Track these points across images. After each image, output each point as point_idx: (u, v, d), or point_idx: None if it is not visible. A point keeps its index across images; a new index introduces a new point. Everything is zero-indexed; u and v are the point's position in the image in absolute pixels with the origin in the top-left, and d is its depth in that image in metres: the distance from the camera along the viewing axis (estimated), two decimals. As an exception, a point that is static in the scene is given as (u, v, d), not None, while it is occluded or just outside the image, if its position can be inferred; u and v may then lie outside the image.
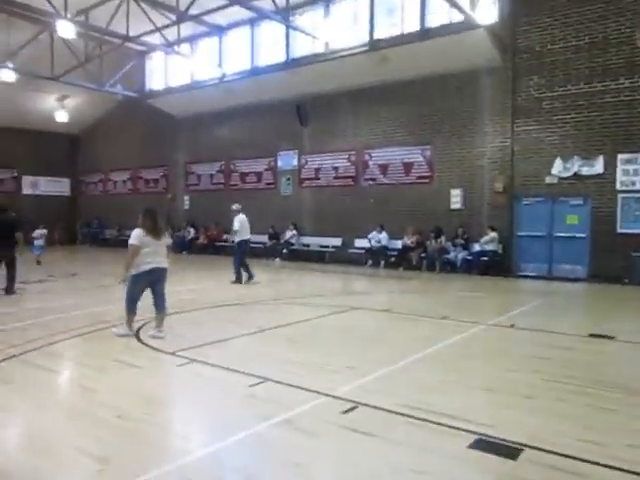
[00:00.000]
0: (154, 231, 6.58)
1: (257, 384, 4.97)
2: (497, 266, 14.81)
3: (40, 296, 10.31)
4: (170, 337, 6.69)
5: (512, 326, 7.72)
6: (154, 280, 6.65)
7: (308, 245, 18.87)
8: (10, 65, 18.63)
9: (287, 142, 19.60)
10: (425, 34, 15.20)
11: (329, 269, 16.28)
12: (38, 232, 16.82)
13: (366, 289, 12.57)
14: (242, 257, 12.35)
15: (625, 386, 4.99)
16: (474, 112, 15.51)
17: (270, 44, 18.84)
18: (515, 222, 15.13)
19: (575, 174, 14.09)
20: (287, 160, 19.81)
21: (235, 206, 12.77)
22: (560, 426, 4.01)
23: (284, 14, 16.10)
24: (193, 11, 16.13)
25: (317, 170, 19.01)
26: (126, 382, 5.09)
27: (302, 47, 17.98)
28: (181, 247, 21.78)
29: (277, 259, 18.53)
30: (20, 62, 18.87)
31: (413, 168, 16.77)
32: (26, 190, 26.88)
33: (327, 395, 4.67)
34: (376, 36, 16.28)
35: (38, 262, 15.94)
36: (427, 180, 16.54)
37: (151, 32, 16.96)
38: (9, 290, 10.22)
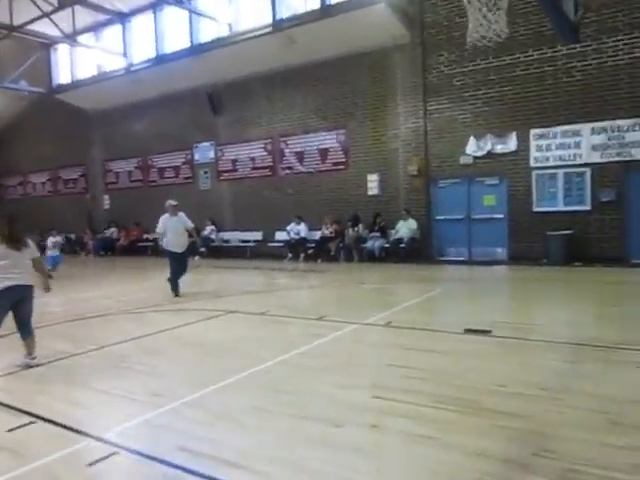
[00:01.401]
0: (10, 240, 5.43)
1: (19, 427, 4.05)
2: (416, 253, 14.16)
3: None
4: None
5: (387, 324, 6.98)
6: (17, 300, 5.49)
7: (228, 240, 17.91)
8: None
9: (202, 133, 18.54)
10: (326, 11, 14.34)
11: (246, 265, 15.39)
12: (52, 240, 14.41)
13: (262, 287, 11.70)
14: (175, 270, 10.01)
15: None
16: (386, 92, 14.78)
17: (175, 30, 17.68)
18: (432, 206, 14.50)
19: (489, 153, 13.53)
20: (203, 152, 18.77)
21: (168, 202, 10.11)
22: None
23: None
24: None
25: (234, 162, 18.03)
26: None
27: (208, 32, 16.90)
28: (104, 249, 20.64)
29: (196, 257, 17.48)
30: None
31: (329, 154, 15.96)
32: None
33: (91, 437, 3.78)
34: (280, 16, 15.33)
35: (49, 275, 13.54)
36: (343, 166, 15.76)
37: (39, 18, 15.58)
38: None
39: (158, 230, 10.16)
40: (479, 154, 13.63)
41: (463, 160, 13.83)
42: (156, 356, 6.02)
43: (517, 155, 13.19)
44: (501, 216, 13.58)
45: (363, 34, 14.02)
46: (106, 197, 22.19)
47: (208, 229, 17.96)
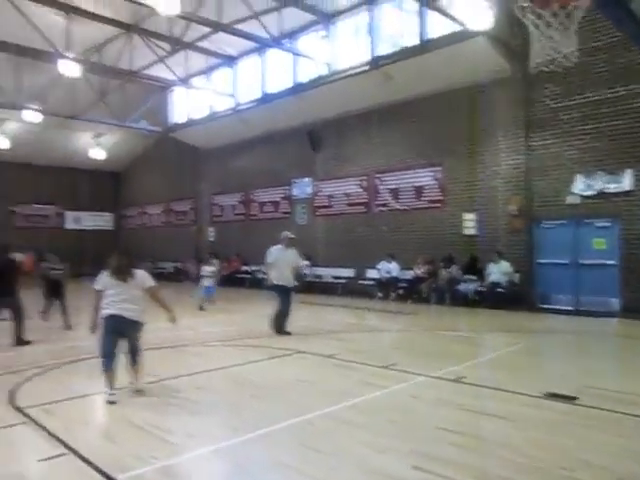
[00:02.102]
0: (116, 272, 5.67)
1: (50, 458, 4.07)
2: (516, 299, 13.09)
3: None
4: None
5: (456, 379, 6.35)
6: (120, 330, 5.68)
7: (320, 276, 17.84)
8: (34, 106, 19.26)
9: (301, 170, 18.89)
10: (425, 47, 14.05)
11: (335, 302, 15.16)
12: (208, 269, 13.71)
13: (343, 327, 11.30)
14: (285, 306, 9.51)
15: None
16: (485, 128, 14.08)
17: (278, 71, 18.34)
18: (535, 248, 13.39)
19: (600, 192, 12.27)
20: (301, 188, 19.05)
21: (285, 234, 9.72)
22: None
23: (286, 40, 15.62)
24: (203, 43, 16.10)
25: (330, 197, 18.08)
26: None
27: (308, 71, 17.33)
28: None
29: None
30: (49, 103, 19.50)
31: (424, 192, 15.44)
32: (69, 225, 27.75)
33: (107, 478, 3.68)
34: (378, 53, 15.32)
35: (201, 307, 13.03)
36: (439, 204, 15.14)
37: (153, 63, 16.90)
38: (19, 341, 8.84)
39: (269, 260, 9.55)
40: (588, 193, 12.43)
41: (570, 199, 12.68)
42: (206, 394, 5.92)
43: (632, 195, 11.84)
44: (613, 262, 12.18)
45: (462, 68, 13.55)
46: (211, 229, 23.22)
47: (302, 264, 18.01)
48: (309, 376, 6.75)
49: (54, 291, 10.53)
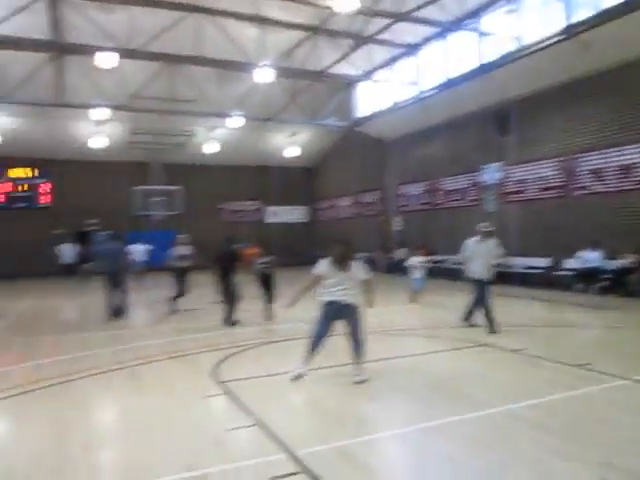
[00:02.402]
0: (337, 261, 5.98)
1: (239, 428, 4.56)
2: None
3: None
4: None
5: (666, 385, 5.53)
6: (338, 316, 6.05)
7: (512, 266, 16.82)
8: (237, 112, 21.40)
9: (488, 155, 17.99)
10: (629, 5, 12.29)
11: (528, 294, 14.19)
12: (416, 260, 12.86)
13: (534, 320, 10.47)
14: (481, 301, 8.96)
15: None
16: None
17: (463, 53, 17.67)
18: None
19: None
20: (490, 174, 18.16)
21: (481, 225, 9.31)
22: None
23: (469, 20, 15.02)
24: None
25: (521, 182, 16.94)
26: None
27: (495, 50, 16.39)
28: (394, 269, 21.80)
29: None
30: (248, 108, 21.54)
31: (633, 171, 13.60)
32: (269, 219, 30.33)
33: (287, 452, 4.00)
34: (573, 20, 13.86)
35: (412, 300, 12.43)
36: (652, 184, 13.22)
37: (338, 61, 17.53)
38: (227, 321, 9.93)
39: (465, 253, 9.15)
40: None
41: None
42: (385, 381, 6.03)
43: None
44: None
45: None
46: (397, 219, 23.42)
47: (502, 256, 17.21)
48: (491, 370, 6.47)
49: (264, 282, 10.73)
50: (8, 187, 24.83)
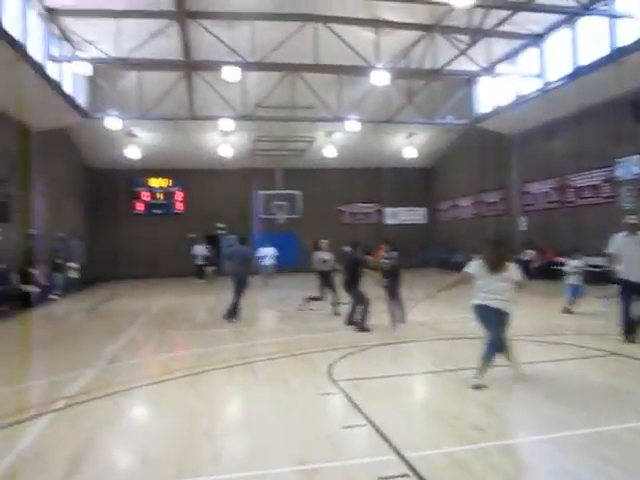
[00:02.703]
0: (490, 263, 5.77)
1: (353, 426, 4.64)
2: None
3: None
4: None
5: None
6: (487, 320, 5.84)
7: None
8: (354, 116, 21.66)
9: (624, 147, 16.48)
10: None
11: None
12: (573, 264, 11.24)
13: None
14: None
15: None
16: None
17: (593, 39, 16.35)
18: None
19: None
20: (627, 167, 16.61)
21: (631, 218, 8.60)
22: None
23: (600, 3, 13.93)
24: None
25: (664, 176, 15.31)
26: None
27: (630, 33, 14.98)
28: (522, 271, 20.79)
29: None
30: (365, 111, 21.73)
31: None
32: (388, 220, 30.26)
33: (396, 453, 4.01)
34: None
35: (567, 310, 10.89)
36: None
37: (456, 58, 17.05)
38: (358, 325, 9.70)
39: (611, 250, 8.19)
40: None
41: None
42: (500, 389, 5.77)
43: None
44: None
45: None
46: (523, 219, 22.25)
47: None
48: (622, 383, 5.94)
49: (390, 281, 10.11)
50: (147, 196, 27.33)
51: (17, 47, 13.73)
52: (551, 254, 19.57)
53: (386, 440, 4.33)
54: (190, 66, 17.98)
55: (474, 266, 5.83)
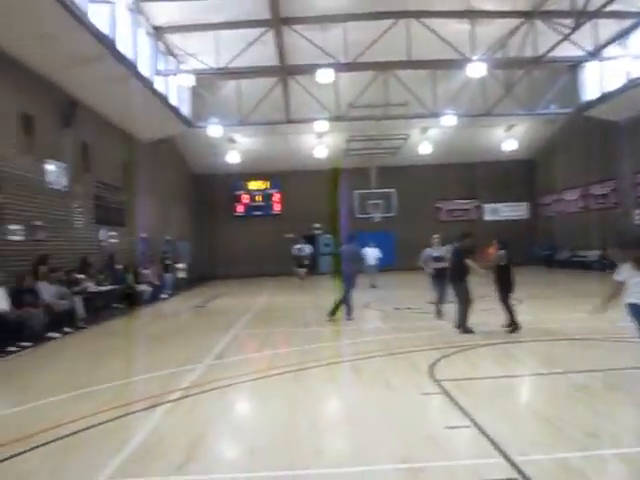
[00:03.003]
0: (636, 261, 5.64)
1: (458, 427, 4.59)
2: None
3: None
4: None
5: None
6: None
7: None
8: (450, 110, 21.18)
9: None
10: None
11: None
12: None
13: None
14: None
15: None
16: None
17: None
18: None
19: None
20: None
21: None
22: None
23: None
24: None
25: None
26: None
27: None
28: None
29: None
30: (462, 105, 21.18)
31: None
32: (487, 216, 29.25)
33: (504, 457, 3.91)
34: None
35: None
36: None
37: (558, 44, 16.14)
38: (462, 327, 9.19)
39: None
40: None
41: None
42: (616, 394, 5.43)
43: None
44: None
45: None
46: (637, 211, 20.61)
47: None
48: None
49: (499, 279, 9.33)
50: (247, 198, 28.44)
51: (129, 65, 14.86)
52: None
53: (492, 442, 4.21)
54: (285, 71, 18.50)
55: (623, 270, 5.60)
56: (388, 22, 16.44)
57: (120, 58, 14.23)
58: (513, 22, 16.92)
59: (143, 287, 16.09)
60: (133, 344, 9.83)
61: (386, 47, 16.83)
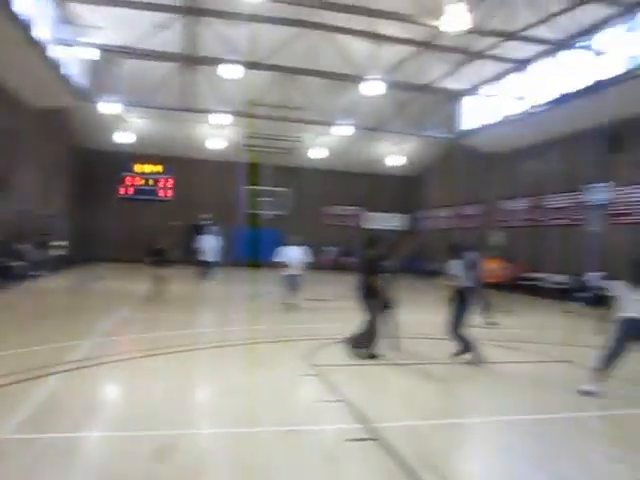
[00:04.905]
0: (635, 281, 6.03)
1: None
2: None
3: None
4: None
5: None
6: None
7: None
8: (345, 121, 22.40)
9: (596, 174, 17.54)
10: None
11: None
12: None
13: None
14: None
15: None
16: None
17: (574, 70, 17.39)
18: None
19: None
20: (596, 194, 17.66)
21: None
22: None
23: (583, 37, 14.90)
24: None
25: (631, 204, 16.38)
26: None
27: (609, 68, 16.03)
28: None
29: (575, 303, 16.61)
30: (358, 117, 22.45)
31: None
32: (369, 225, 31.03)
33: (371, 423, 4.73)
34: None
35: None
36: None
37: (446, 75, 17.94)
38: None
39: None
40: None
41: None
42: (459, 380, 6.57)
43: None
44: None
45: None
46: (498, 233, 23.18)
47: (593, 275, 16.78)
48: (566, 383, 6.77)
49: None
50: (136, 181, 27.74)
51: (23, 27, 14.12)
52: (522, 268, 20.56)
53: (356, 413, 5.06)
54: (191, 60, 18.54)
55: (617, 287, 6.17)
56: (297, 30, 17.18)
57: (12, 18, 13.51)
58: (410, 49, 18.42)
59: (19, 263, 15.34)
60: (12, 319, 9.58)
61: (292, 53, 17.57)
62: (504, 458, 4.37)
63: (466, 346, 7.36)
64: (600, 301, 15.56)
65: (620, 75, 15.59)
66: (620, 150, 16.66)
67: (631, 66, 15.16)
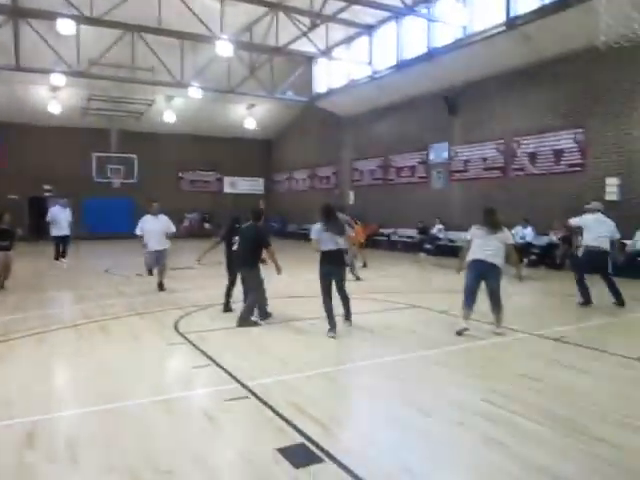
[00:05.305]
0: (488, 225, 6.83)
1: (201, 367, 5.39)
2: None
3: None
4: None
5: (557, 339, 6.66)
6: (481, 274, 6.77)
7: (454, 240, 18.10)
8: (196, 83, 21.66)
9: (437, 134, 19.09)
10: (565, 2, 13.38)
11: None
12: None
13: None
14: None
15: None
16: (633, 88, 13.16)
17: (414, 36, 18.54)
18: (687, 216, 12.44)
19: None
20: (438, 153, 19.28)
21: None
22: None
23: (422, 5, 15.84)
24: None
25: (466, 162, 18.13)
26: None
27: (445, 36, 17.32)
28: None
29: (422, 254, 18.17)
30: (208, 80, 21.77)
31: (564, 155, 14.92)
32: (227, 189, 30.78)
33: (240, 383, 4.87)
34: (515, 13, 14.92)
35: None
36: (579, 168, 14.57)
37: (297, 38, 18.09)
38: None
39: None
40: None
41: None
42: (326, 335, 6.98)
43: None
44: None
45: (606, 24, 12.72)
46: (351, 193, 24.37)
47: (436, 228, 18.44)
48: (416, 326, 7.51)
49: None
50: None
51: None
52: (375, 227, 21.90)
53: (229, 374, 5.18)
54: (18, 12, 16.54)
55: (473, 231, 6.95)
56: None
57: None
58: (260, 10, 18.18)
59: None
60: None
61: (136, 9, 16.46)
62: (368, 396, 4.80)
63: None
64: (442, 250, 17.36)
65: (451, 44, 16.93)
66: (456, 113, 18.24)
67: (461, 35, 16.52)
